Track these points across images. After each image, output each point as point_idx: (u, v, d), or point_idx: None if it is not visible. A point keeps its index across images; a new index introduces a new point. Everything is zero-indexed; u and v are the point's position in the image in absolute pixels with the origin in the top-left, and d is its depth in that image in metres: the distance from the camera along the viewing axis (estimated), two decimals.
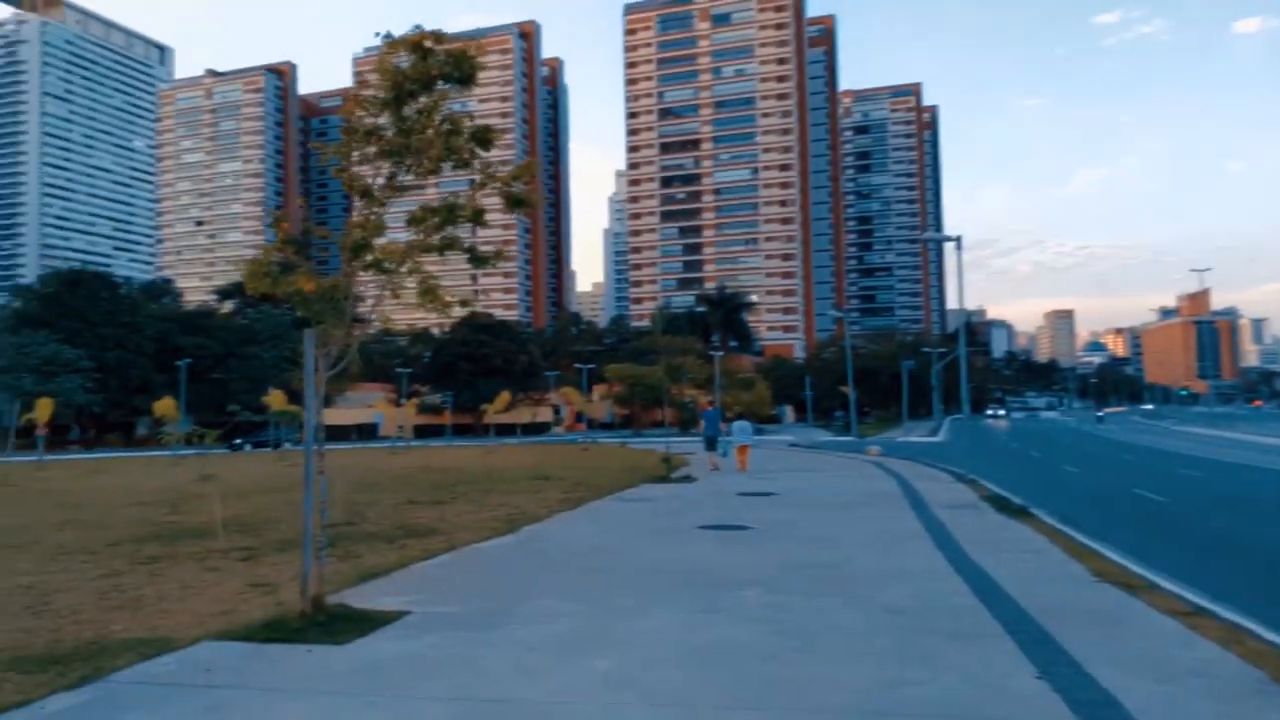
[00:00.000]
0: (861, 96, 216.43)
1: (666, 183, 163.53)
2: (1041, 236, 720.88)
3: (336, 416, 75.39)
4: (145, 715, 5.19)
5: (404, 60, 7.76)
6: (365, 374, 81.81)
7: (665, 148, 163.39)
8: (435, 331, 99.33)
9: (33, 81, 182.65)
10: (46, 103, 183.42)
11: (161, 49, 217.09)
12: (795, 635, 6.85)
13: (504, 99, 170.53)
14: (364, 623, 7.40)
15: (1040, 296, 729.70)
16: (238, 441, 51.60)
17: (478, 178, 8.43)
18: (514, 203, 8.16)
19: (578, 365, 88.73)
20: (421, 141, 7.32)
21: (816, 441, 49.18)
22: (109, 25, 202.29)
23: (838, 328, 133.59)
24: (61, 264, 73.62)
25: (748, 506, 16.17)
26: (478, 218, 8.05)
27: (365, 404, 70.45)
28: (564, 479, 23.28)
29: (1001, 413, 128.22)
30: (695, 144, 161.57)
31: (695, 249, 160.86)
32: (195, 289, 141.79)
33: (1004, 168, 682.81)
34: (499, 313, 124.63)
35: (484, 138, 7.81)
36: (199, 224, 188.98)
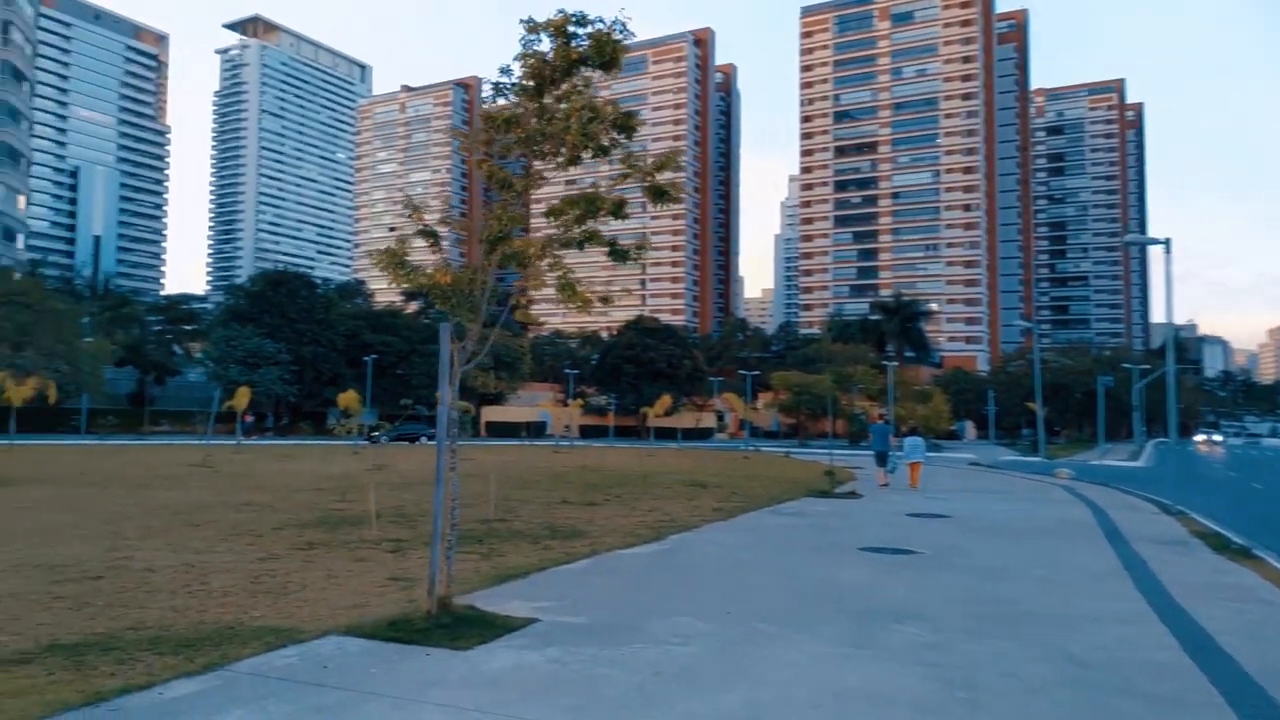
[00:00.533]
0: (1055, 94, 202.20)
1: (841, 187, 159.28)
2: (1263, 244, 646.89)
3: (507, 414, 78.33)
4: (252, 711, 5.04)
5: (546, 46, 7.43)
6: (536, 374, 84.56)
7: (840, 151, 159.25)
8: (604, 334, 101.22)
9: (252, 100, 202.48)
10: (263, 119, 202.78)
11: (362, 67, 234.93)
12: (960, 684, 5.90)
13: (677, 106, 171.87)
14: (488, 628, 7.10)
15: (1263, 310, 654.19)
16: (375, 434, 54.95)
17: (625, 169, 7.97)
18: (656, 193, 7.64)
19: (742, 372, 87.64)
20: (557, 126, 6.94)
21: (999, 461, 45.80)
22: (317, 47, 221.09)
23: (1025, 339, 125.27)
24: (271, 266, 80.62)
25: (916, 529, 14.92)
26: (618, 210, 7.58)
27: (535, 404, 72.58)
28: (720, 487, 22.64)
29: (1217, 437, 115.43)
30: (872, 147, 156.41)
31: (870, 255, 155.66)
32: (385, 290, 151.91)
33: (1219, 167, 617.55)
34: (666, 317, 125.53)
35: (625, 124, 7.32)
36: (390, 229, 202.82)
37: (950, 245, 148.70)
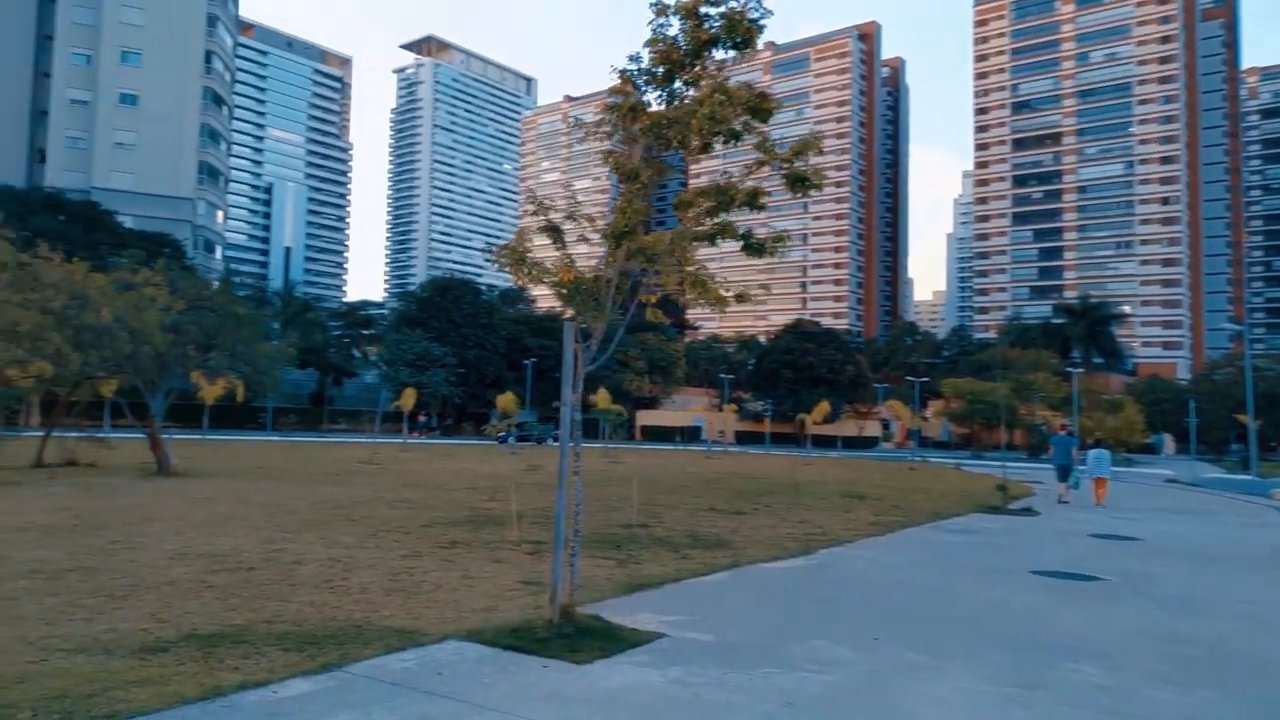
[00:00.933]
0: (1272, 73, 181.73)
1: (1020, 182, 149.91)
2: None
3: (662, 418, 78.67)
4: (358, 717, 4.91)
5: (676, 29, 7.02)
6: (691, 378, 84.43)
7: (1019, 144, 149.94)
8: (761, 339, 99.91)
9: (426, 116, 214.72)
10: (436, 134, 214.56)
11: (528, 80, 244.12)
12: None
13: (840, 103, 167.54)
14: (611, 641, 6.76)
15: None
16: (503, 435, 56.55)
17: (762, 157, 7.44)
18: (794, 182, 7.05)
19: (910, 378, 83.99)
20: (683, 111, 6.51)
21: (1201, 479, 41.27)
22: (486, 62, 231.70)
23: (1235, 344, 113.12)
24: (441, 273, 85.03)
25: (1100, 552, 13.41)
26: (753, 200, 7.06)
27: (689, 408, 72.54)
28: (880, 499, 21.47)
29: None
30: (1055, 138, 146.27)
31: (1053, 253, 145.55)
32: (545, 295, 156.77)
33: None
34: (827, 321, 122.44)
35: (760, 106, 6.79)
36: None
37: (1145, 242, 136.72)
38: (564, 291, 6.96)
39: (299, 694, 5.23)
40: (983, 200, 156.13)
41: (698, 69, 6.99)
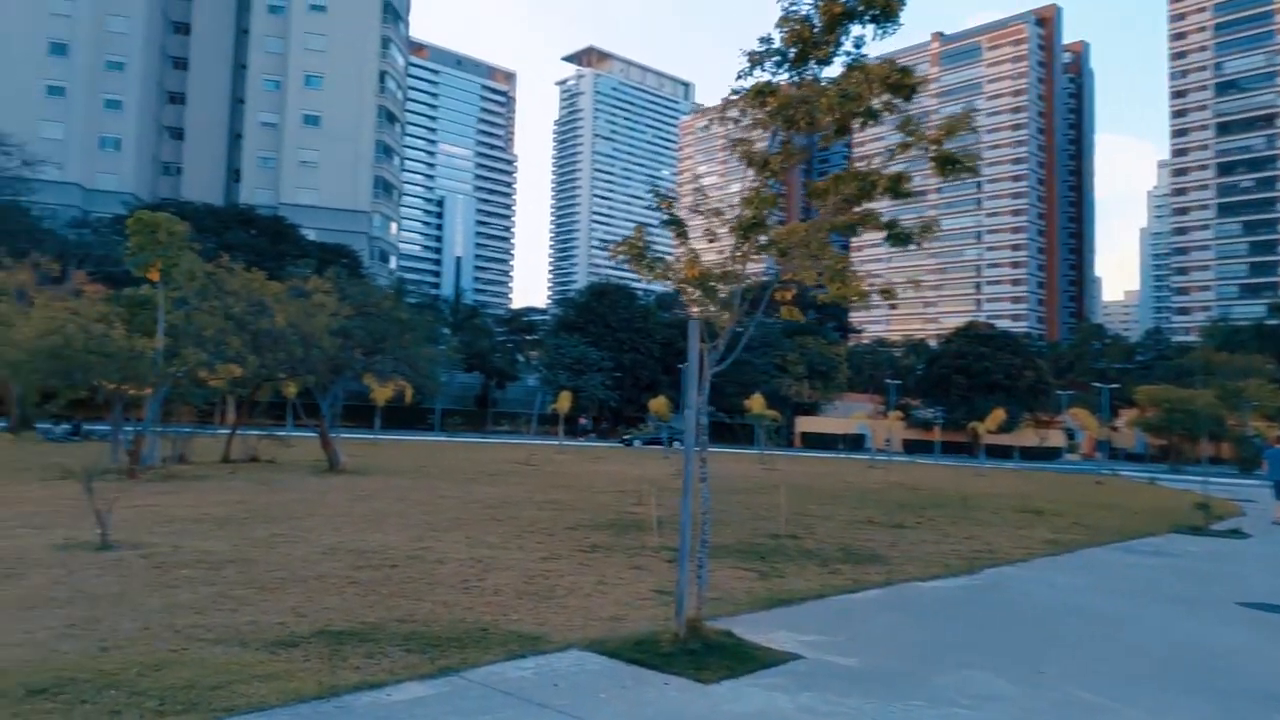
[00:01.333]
0: None
1: (1227, 169, 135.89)
2: None
3: (823, 425, 76.56)
4: None
5: (808, 6, 6.53)
6: (855, 383, 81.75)
7: (1224, 128, 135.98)
8: (931, 342, 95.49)
9: (586, 126, 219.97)
10: (596, 143, 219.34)
11: (685, 85, 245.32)
12: None
13: (1016, 93, 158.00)
14: (741, 660, 6.33)
15: None
16: (627, 437, 56.15)
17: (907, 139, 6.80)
18: (944, 163, 6.38)
19: (1098, 385, 77.71)
20: (812, 90, 6.01)
21: None
22: (644, 70, 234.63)
23: None
24: (601, 279, 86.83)
25: None
26: (897, 187, 6.45)
27: (851, 414, 70.16)
28: (1060, 515, 19.73)
29: None
30: (1268, 120, 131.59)
31: (1267, 247, 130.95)
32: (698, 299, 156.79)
33: None
34: (1004, 323, 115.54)
35: (900, 83, 6.17)
36: (710, 241, 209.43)
37: None
38: (688, 288, 6.60)
39: (411, 698, 5.15)
40: (1181, 191, 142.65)
41: (828, 49, 6.44)
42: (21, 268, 28.73)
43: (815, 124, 6.29)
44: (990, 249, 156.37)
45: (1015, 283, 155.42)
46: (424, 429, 64.27)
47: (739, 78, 6.61)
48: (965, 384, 76.81)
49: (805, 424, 78.33)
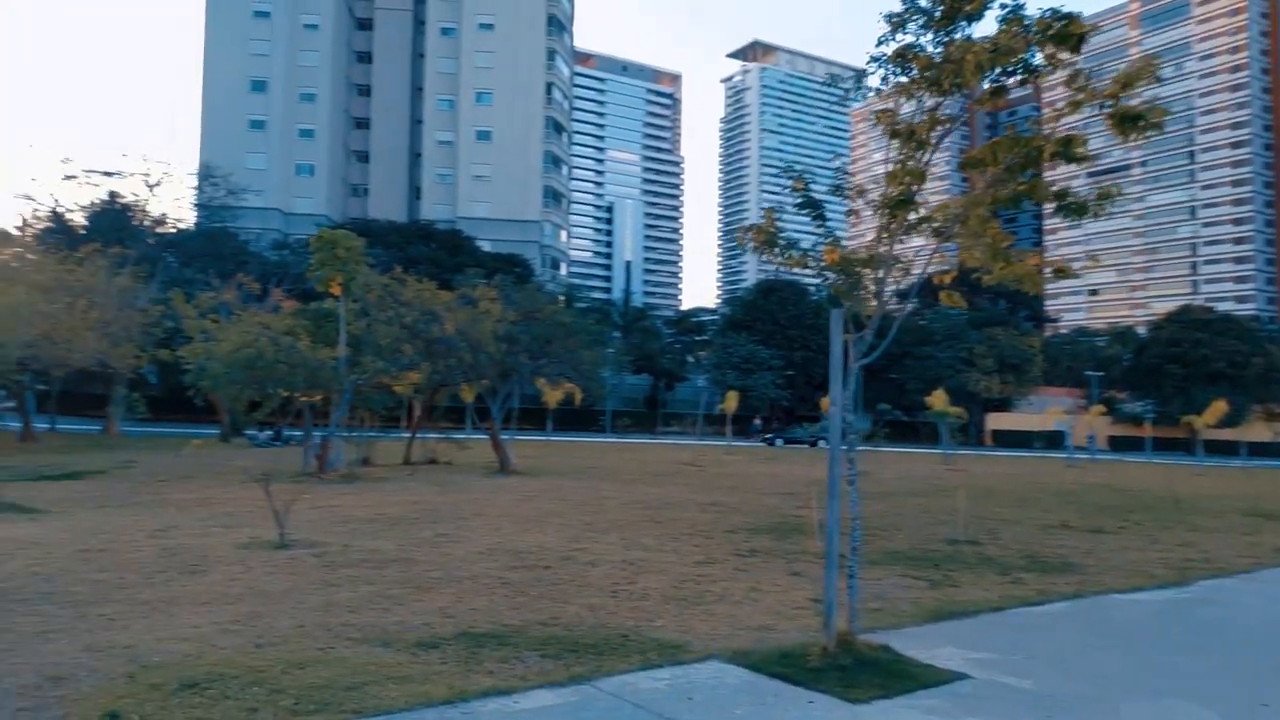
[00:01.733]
0: None
1: None
2: None
3: (1017, 421, 71.54)
4: None
5: None
6: (1051, 376, 75.96)
7: None
8: (1139, 330, 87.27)
9: (753, 121, 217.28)
10: (764, 137, 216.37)
11: (858, 72, 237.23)
12: None
13: (1234, 50, 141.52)
14: (897, 678, 5.78)
15: None
16: (769, 436, 53.75)
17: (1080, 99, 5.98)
18: (1124, 121, 5.54)
19: None
20: (959, 48, 5.36)
21: None
22: (811, 59, 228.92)
23: None
24: (770, 276, 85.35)
25: None
26: (1067, 150, 5.68)
27: (1047, 410, 65.10)
28: None
29: None
30: None
31: None
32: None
33: None
34: (1226, 306, 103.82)
35: (1065, 31, 5.39)
36: (853, 225, 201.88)
37: None
38: (829, 275, 6.10)
39: (537, 706, 5.01)
40: None
41: (980, 2, 5.75)
42: (227, 288, 32.16)
43: (965, 85, 5.63)
44: (1207, 224, 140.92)
45: (1239, 260, 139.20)
46: (595, 431, 65.70)
47: (879, 44, 6.05)
48: (1180, 374, 69.59)
49: (996, 421, 73.53)
